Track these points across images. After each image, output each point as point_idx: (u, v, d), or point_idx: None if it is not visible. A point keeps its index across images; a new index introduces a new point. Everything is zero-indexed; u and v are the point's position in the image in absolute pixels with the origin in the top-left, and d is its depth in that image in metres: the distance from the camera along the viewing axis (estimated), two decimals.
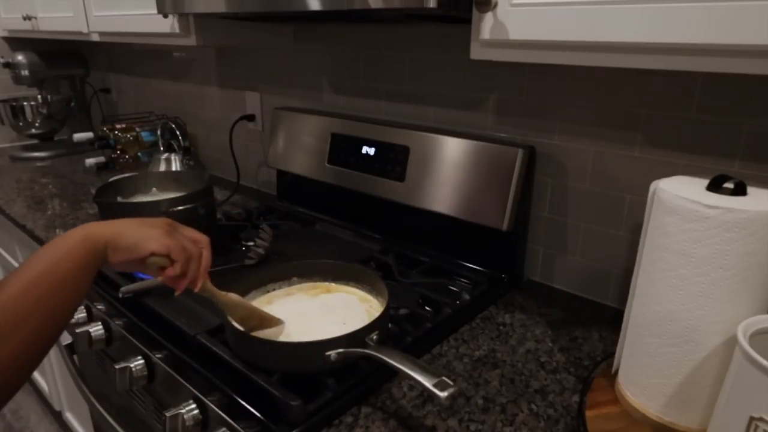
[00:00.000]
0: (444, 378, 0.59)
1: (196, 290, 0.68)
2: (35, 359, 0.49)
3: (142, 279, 0.97)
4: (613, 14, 0.57)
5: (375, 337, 0.70)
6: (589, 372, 0.77)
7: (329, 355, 0.67)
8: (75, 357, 1.01)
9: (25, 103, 2.02)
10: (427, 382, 0.58)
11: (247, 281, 0.83)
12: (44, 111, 2.03)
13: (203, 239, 0.68)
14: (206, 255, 0.67)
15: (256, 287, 0.85)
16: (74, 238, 0.55)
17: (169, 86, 1.89)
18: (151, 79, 1.97)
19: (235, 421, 0.67)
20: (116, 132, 1.74)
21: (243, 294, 0.82)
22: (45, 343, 0.50)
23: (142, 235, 0.61)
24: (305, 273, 0.89)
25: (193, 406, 0.72)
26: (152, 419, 0.88)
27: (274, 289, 0.87)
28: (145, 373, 0.83)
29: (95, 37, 1.52)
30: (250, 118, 1.55)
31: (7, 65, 1.98)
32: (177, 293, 0.67)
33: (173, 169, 1.57)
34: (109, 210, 1.06)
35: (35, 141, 2.12)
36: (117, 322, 0.90)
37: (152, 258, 0.61)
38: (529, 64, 0.95)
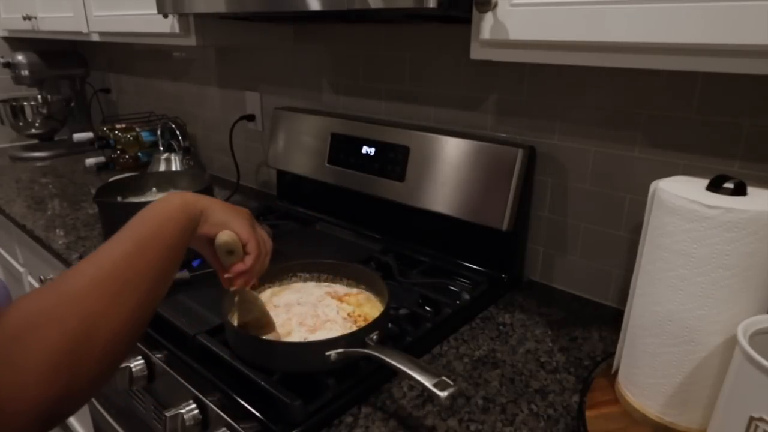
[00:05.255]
0: (444, 378, 0.58)
1: (247, 287, 0.67)
2: (145, 321, 0.49)
3: None
4: (612, 14, 0.57)
5: (375, 337, 0.70)
6: (589, 372, 0.77)
7: (329, 355, 0.67)
8: None
9: (25, 103, 2.02)
10: (427, 382, 0.58)
11: None
12: (44, 111, 2.03)
13: (270, 244, 0.68)
14: (267, 259, 0.67)
15: (256, 287, 0.85)
16: (175, 203, 0.56)
17: (169, 86, 1.89)
18: (151, 79, 1.97)
19: (235, 421, 0.67)
20: (116, 132, 1.74)
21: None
22: (153, 304, 0.50)
23: (231, 217, 0.61)
24: (305, 273, 0.89)
25: (193, 406, 0.72)
26: (152, 419, 0.88)
27: (271, 289, 0.87)
28: (145, 373, 0.83)
29: (95, 37, 1.52)
30: (250, 118, 1.55)
31: (7, 65, 1.98)
32: (231, 288, 0.66)
33: (173, 169, 1.57)
34: (109, 210, 1.06)
35: (35, 141, 2.11)
36: None
37: (220, 239, 0.61)
38: (530, 64, 0.95)
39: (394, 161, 1.10)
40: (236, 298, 0.72)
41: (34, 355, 0.39)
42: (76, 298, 0.43)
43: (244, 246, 0.63)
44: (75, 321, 0.42)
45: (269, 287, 0.87)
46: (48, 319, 0.41)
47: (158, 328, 0.83)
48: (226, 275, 0.64)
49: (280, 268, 0.88)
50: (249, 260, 0.63)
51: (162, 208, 0.55)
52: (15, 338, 0.39)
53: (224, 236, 0.61)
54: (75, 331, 0.41)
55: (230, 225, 0.61)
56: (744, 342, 0.50)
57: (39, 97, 2.05)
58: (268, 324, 0.75)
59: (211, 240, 0.61)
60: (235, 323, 0.74)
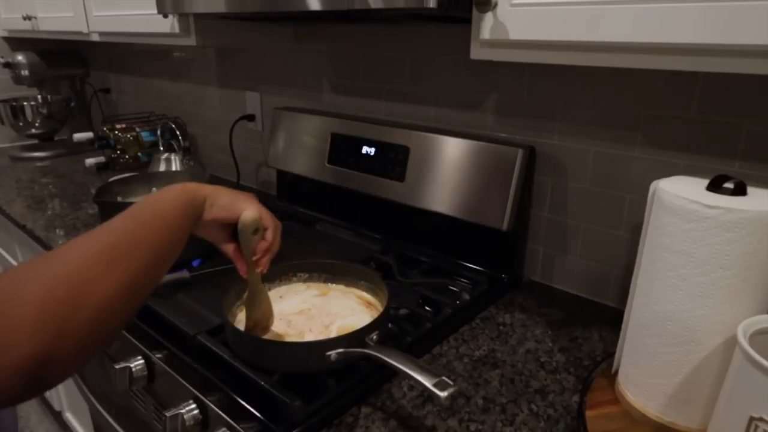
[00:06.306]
0: (444, 378, 0.58)
1: (259, 270, 0.70)
2: (140, 298, 0.50)
3: None
4: (612, 14, 0.57)
5: (375, 337, 0.70)
6: (589, 372, 0.77)
7: (329, 355, 0.67)
8: None
9: (25, 103, 2.02)
10: (427, 382, 0.58)
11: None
12: (44, 111, 2.03)
13: (279, 222, 0.70)
14: (279, 236, 0.70)
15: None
16: (176, 189, 0.59)
17: (169, 86, 1.89)
18: (151, 79, 1.97)
19: (235, 421, 0.67)
20: (116, 132, 1.74)
21: (243, 294, 0.82)
22: (149, 283, 0.51)
23: (239, 199, 0.64)
24: (304, 273, 0.89)
25: (193, 406, 0.72)
26: (152, 419, 0.88)
27: (273, 289, 0.87)
28: (145, 373, 0.83)
29: (95, 37, 1.52)
30: (250, 118, 1.55)
31: (7, 65, 1.98)
32: (258, 270, 0.70)
33: (173, 169, 1.57)
34: (109, 210, 1.06)
35: (35, 141, 2.11)
36: None
37: (246, 218, 0.63)
38: (529, 64, 0.95)
39: (394, 161, 1.10)
40: (246, 294, 0.73)
41: (20, 312, 0.40)
42: (65, 262, 0.45)
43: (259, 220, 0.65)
44: (61, 281, 0.43)
45: (269, 287, 0.87)
46: (33, 278, 0.42)
47: (158, 328, 0.83)
48: (254, 258, 0.67)
49: (280, 268, 0.88)
50: (269, 234, 0.66)
51: (162, 194, 0.58)
52: (3, 296, 0.40)
53: (249, 215, 0.63)
54: (61, 291, 0.42)
55: (239, 204, 0.63)
56: (744, 342, 0.50)
57: (39, 97, 2.05)
58: (272, 316, 0.76)
59: (222, 224, 0.63)
60: (242, 326, 0.74)
